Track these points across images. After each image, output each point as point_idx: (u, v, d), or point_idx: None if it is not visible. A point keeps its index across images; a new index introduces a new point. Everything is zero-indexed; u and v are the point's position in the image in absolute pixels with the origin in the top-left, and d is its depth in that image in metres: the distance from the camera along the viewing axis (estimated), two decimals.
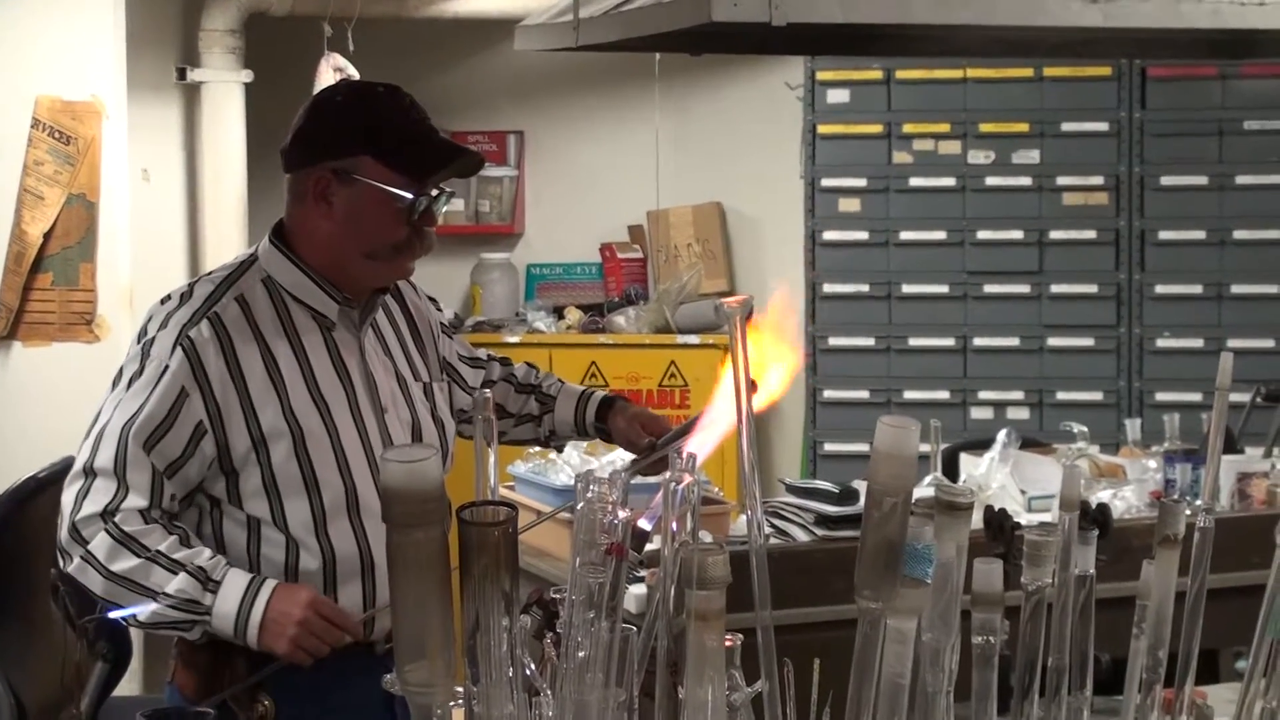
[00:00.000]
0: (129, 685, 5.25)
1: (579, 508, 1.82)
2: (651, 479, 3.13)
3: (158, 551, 3.12)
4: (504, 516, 1.69)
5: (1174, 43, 5.09)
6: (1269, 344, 7.26)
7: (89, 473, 3.17)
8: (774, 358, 2.49)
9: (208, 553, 3.16)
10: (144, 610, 3.13)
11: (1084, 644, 2.03)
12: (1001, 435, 5.03)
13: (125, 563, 3.12)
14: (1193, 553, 2.08)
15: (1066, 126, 7.44)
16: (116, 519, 3.13)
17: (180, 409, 3.15)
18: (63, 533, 3.18)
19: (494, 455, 2.06)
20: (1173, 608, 2.05)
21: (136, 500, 3.14)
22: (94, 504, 3.14)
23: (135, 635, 4.59)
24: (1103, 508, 3.48)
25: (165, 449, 3.15)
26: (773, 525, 4.53)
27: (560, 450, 4.74)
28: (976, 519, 3.96)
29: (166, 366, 3.16)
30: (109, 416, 3.18)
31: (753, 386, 2.49)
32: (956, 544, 1.85)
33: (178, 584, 3.12)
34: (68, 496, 3.19)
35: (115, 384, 3.23)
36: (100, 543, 3.13)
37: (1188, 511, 2.09)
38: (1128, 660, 2.11)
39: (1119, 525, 3.89)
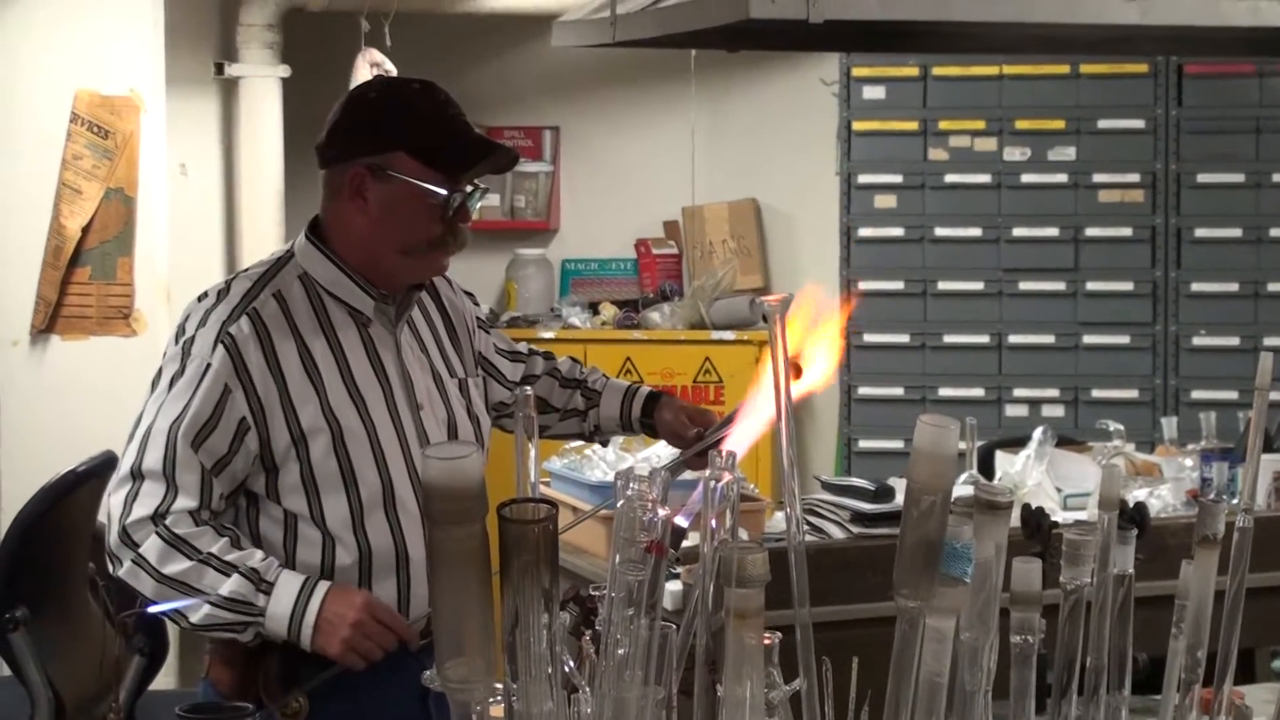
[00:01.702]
0: (164, 679, 5.28)
1: (619, 505, 1.83)
2: (690, 475, 3.14)
3: (210, 554, 3.13)
4: (544, 514, 1.69)
5: (1212, 40, 5.08)
6: None
7: (137, 475, 3.16)
8: (817, 344, 2.49)
9: (260, 554, 3.16)
10: (198, 612, 3.13)
11: (1122, 643, 2.03)
12: (1037, 433, 5.02)
13: (178, 565, 3.12)
14: (1232, 552, 2.08)
15: (1103, 123, 7.42)
16: (167, 521, 3.13)
17: (224, 406, 3.15)
18: (112, 537, 3.17)
19: (534, 453, 2.07)
20: (1211, 608, 2.05)
21: (186, 501, 3.14)
22: (144, 507, 3.14)
23: (170, 630, 4.63)
24: (1140, 507, 3.46)
25: (212, 446, 3.15)
26: (808, 523, 4.53)
27: (604, 444, 4.74)
28: (1013, 517, 3.96)
29: (209, 365, 3.16)
30: (153, 418, 3.18)
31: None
32: (995, 543, 1.85)
33: (231, 586, 3.12)
34: (116, 500, 3.18)
35: (155, 385, 3.23)
36: (152, 546, 3.12)
37: (1226, 511, 2.09)
38: (1165, 660, 2.11)
39: (1155, 524, 3.87)
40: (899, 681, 1.80)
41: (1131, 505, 3.25)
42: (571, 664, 1.89)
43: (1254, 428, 2.29)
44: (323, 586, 3.16)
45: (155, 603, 3.15)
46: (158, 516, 3.13)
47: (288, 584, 3.14)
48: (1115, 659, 2.03)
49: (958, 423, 1.84)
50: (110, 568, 3.20)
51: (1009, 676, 1.92)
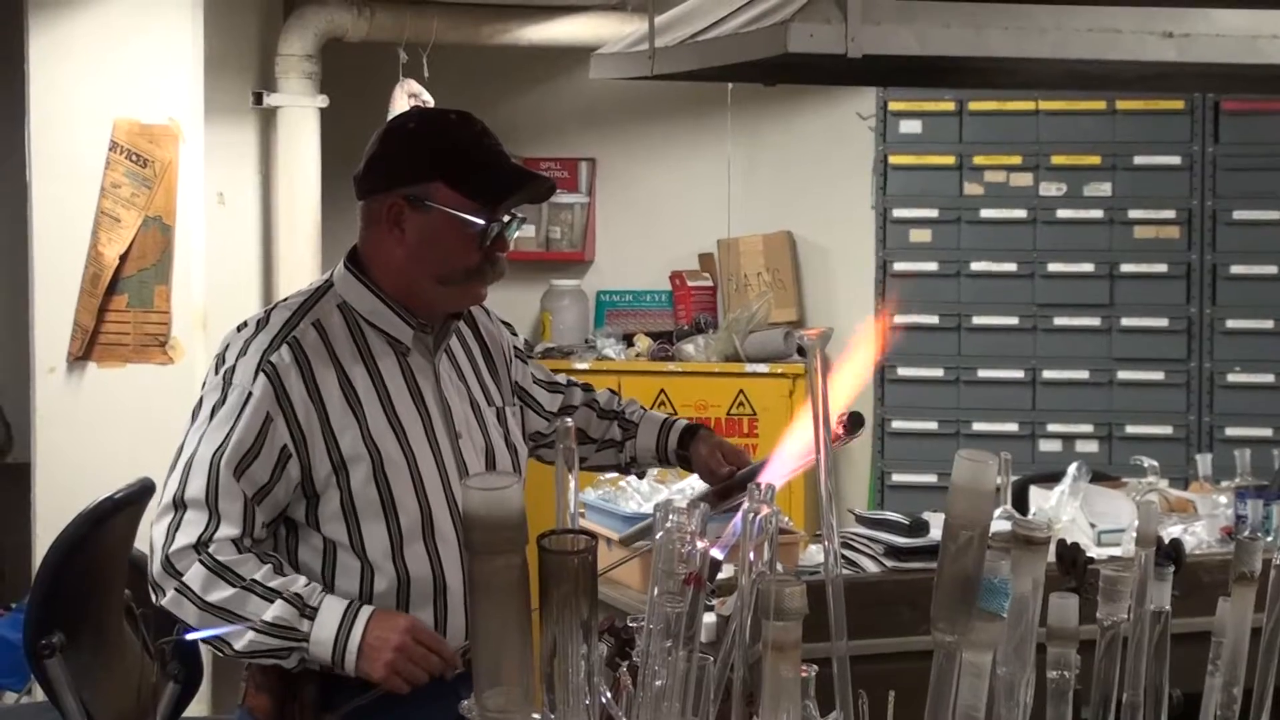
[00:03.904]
0: (197, 707, 5.29)
1: (658, 537, 1.83)
2: (725, 510, 3.14)
3: (253, 580, 3.14)
4: (584, 545, 1.70)
5: (1249, 77, 5.08)
6: None
7: (179, 505, 3.18)
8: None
9: (303, 580, 3.18)
10: (242, 639, 3.14)
11: (1158, 680, 2.03)
12: (1072, 469, 5.01)
13: (221, 593, 3.13)
14: (1269, 590, 2.08)
15: (1139, 159, 7.41)
16: (210, 549, 3.14)
17: (266, 434, 3.17)
18: (155, 566, 3.18)
19: (574, 483, 2.08)
20: (1247, 645, 2.05)
21: (229, 530, 3.15)
22: (187, 536, 3.15)
23: (205, 656, 4.65)
24: (1175, 543, 3.48)
25: (255, 475, 3.17)
26: (843, 556, 4.52)
27: (641, 476, 4.75)
28: (1049, 553, 3.96)
29: (250, 394, 3.18)
30: (195, 447, 3.20)
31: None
32: (1033, 578, 1.85)
33: (275, 612, 3.13)
34: (158, 530, 3.19)
35: (196, 415, 3.25)
36: (195, 574, 3.14)
37: (1264, 548, 2.09)
38: (1201, 697, 2.11)
39: (1190, 561, 3.87)
40: (936, 715, 1.80)
41: (1167, 542, 3.26)
42: (609, 695, 1.89)
43: None
44: (366, 611, 3.17)
45: (198, 629, 3.16)
46: (201, 545, 3.15)
47: (331, 609, 3.16)
48: (1151, 695, 2.03)
49: (995, 459, 1.84)
50: (154, 597, 3.21)
51: (1045, 712, 1.92)
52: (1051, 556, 3.88)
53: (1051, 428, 7.45)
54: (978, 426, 7.47)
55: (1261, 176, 7.34)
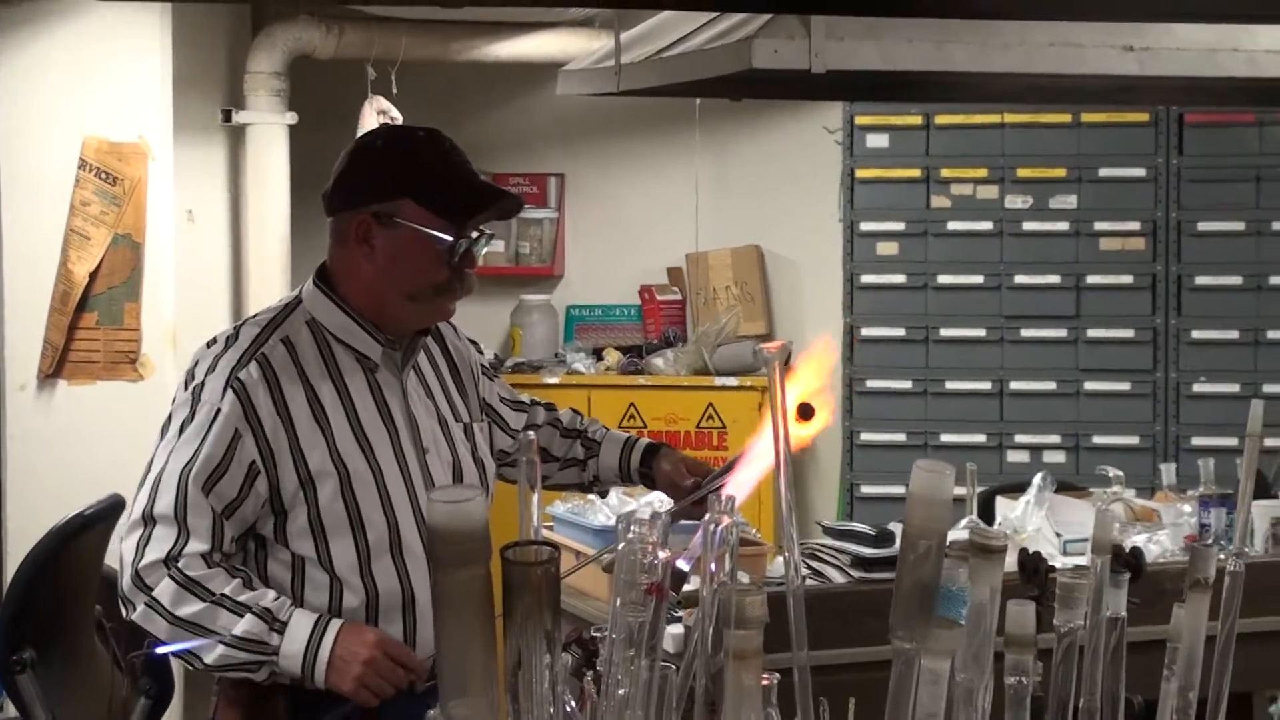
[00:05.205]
0: None
1: (620, 548, 1.86)
2: (690, 521, 3.17)
3: (223, 595, 3.16)
4: (547, 556, 1.72)
5: (1211, 90, 5.12)
6: None
7: (149, 520, 3.20)
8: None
9: (272, 594, 3.20)
10: (212, 653, 3.16)
11: (1115, 686, 2.06)
12: (1037, 479, 5.05)
13: (191, 607, 3.15)
14: (1223, 596, 2.11)
15: (1104, 172, 7.46)
16: (180, 564, 3.16)
17: (235, 450, 3.19)
18: (125, 581, 3.20)
19: (537, 496, 2.10)
20: (1203, 651, 2.08)
21: (198, 545, 3.17)
22: (156, 551, 3.17)
23: (176, 671, 4.65)
24: (1136, 551, 3.49)
25: (223, 490, 3.19)
26: (809, 567, 4.55)
27: (603, 495, 4.78)
28: (1011, 562, 3.99)
29: (219, 410, 3.20)
30: (164, 463, 3.22)
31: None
32: (990, 586, 1.88)
33: (244, 626, 3.15)
34: (128, 545, 3.21)
35: (165, 431, 3.27)
36: (165, 589, 3.16)
37: (1220, 555, 2.12)
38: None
39: (1153, 569, 3.90)
40: None
41: (1128, 550, 3.29)
42: (573, 704, 1.92)
43: (1245, 473, 2.33)
44: (335, 625, 3.19)
45: (169, 643, 3.18)
46: (170, 560, 3.17)
47: (301, 623, 3.18)
48: (1108, 701, 2.05)
49: (953, 467, 1.87)
50: (124, 612, 3.23)
51: (1004, 718, 1.95)
52: (1015, 566, 3.92)
53: (1019, 439, 7.48)
54: (946, 438, 7.51)
55: (1225, 188, 7.39)
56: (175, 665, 3.99)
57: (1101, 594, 2.04)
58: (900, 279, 7.59)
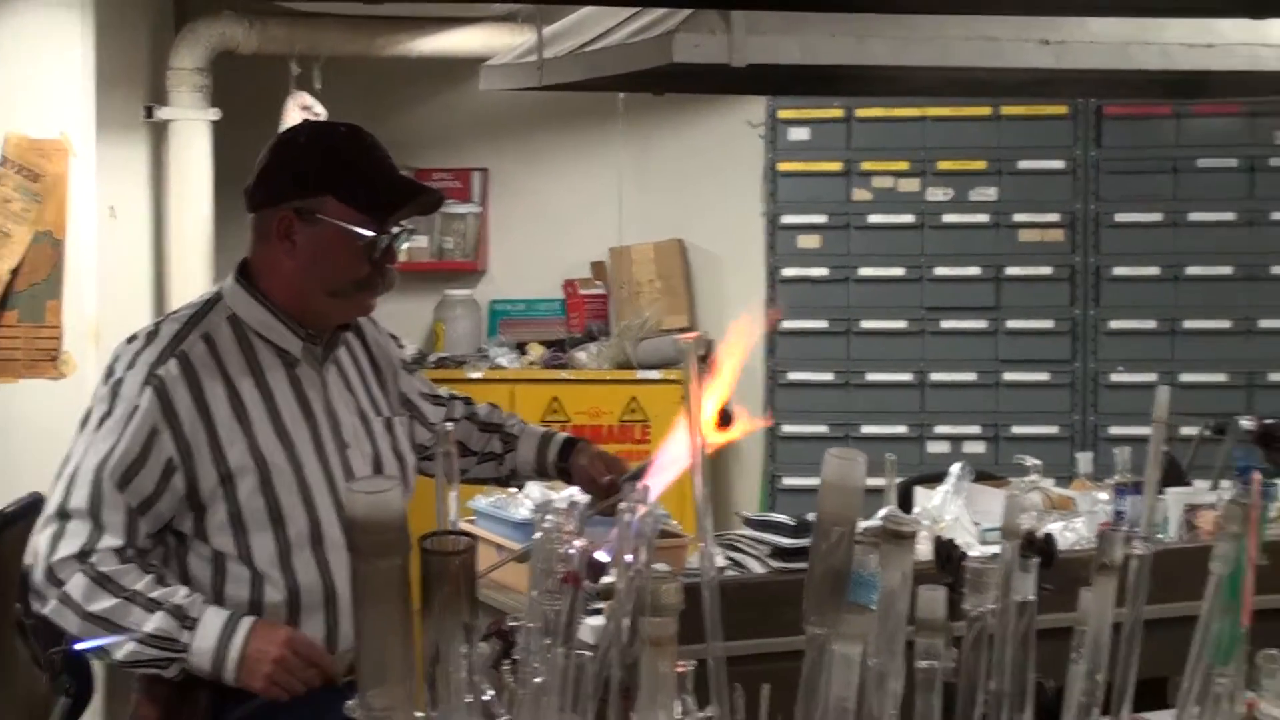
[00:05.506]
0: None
1: (536, 537, 1.88)
2: (611, 516, 3.19)
3: (135, 591, 3.16)
4: (464, 546, 1.75)
5: (1127, 83, 5.18)
6: (1220, 378, 7.35)
7: (63, 515, 3.20)
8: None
9: (184, 591, 3.19)
10: (122, 649, 3.16)
11: (1024, 670, 2.08)
12: (955, 469, 5.08)
13: (103, 603, 3.15)
14: (1129, 581, 2.14)
15: (1023, 164, 7.52)
16: (93, 559, 3.16)
17: (152, 447, 3.19)
18: (38, 575, 3.19)
19: (455, 488, 2.12)
20: (1110, 635, 2.11)
21: (112, 540, 3.17)
22: (70, 546, 3.17)
23: (96, 669, 4.64)
24: (1048, 538, 3.53)
25: (138, 487, 3.18)
26: (730, 558, 4.58)
27: (520, 489, 4.81)
28: (927, 550, 4.03)
29: (137, 406, 3.19)
30: (80, 457, 3.22)
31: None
32: (901, 571, 1.91)
33: (155, 623, 3.15)
34: (42, 539, 3.21)
35: (84, 425, 3.26)
36: (77, 584, 3.16)
37: (1128, 540, 2.15)
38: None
39: (1068, 556, 3.94)
40: (808, 707, 1.86)
41: (1041, 537, 3.33)
42: (492, 693, 1.94)
43: (1152, 459, 2.37)
44: (246, 623, 3.20)
45: (81, 640, 3.18)
46: (83, 555, 3.16)
47: (212, 621, 3.18)
48: (1018, 686, 2.08)
49: (864, 456, 1.91)
50: (35, 605, 3.22)
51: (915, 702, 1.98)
52: (931, 554, 3.97)
53: (939, 429, 7.54)
54: (867, 429, 7.55)
55: (1143, 180, 7.46)
56: (96, 664, 3.98)
57: (1011, 579, 2.07)
58: (822, 271, 7.62)
